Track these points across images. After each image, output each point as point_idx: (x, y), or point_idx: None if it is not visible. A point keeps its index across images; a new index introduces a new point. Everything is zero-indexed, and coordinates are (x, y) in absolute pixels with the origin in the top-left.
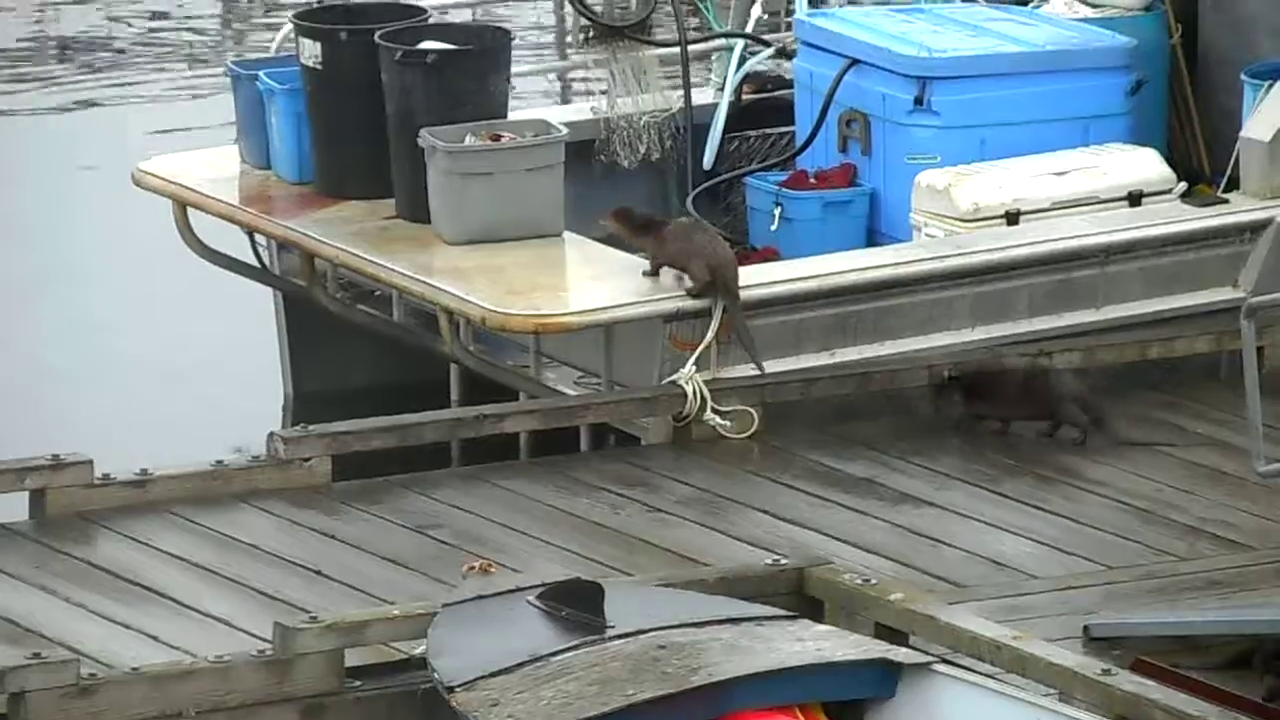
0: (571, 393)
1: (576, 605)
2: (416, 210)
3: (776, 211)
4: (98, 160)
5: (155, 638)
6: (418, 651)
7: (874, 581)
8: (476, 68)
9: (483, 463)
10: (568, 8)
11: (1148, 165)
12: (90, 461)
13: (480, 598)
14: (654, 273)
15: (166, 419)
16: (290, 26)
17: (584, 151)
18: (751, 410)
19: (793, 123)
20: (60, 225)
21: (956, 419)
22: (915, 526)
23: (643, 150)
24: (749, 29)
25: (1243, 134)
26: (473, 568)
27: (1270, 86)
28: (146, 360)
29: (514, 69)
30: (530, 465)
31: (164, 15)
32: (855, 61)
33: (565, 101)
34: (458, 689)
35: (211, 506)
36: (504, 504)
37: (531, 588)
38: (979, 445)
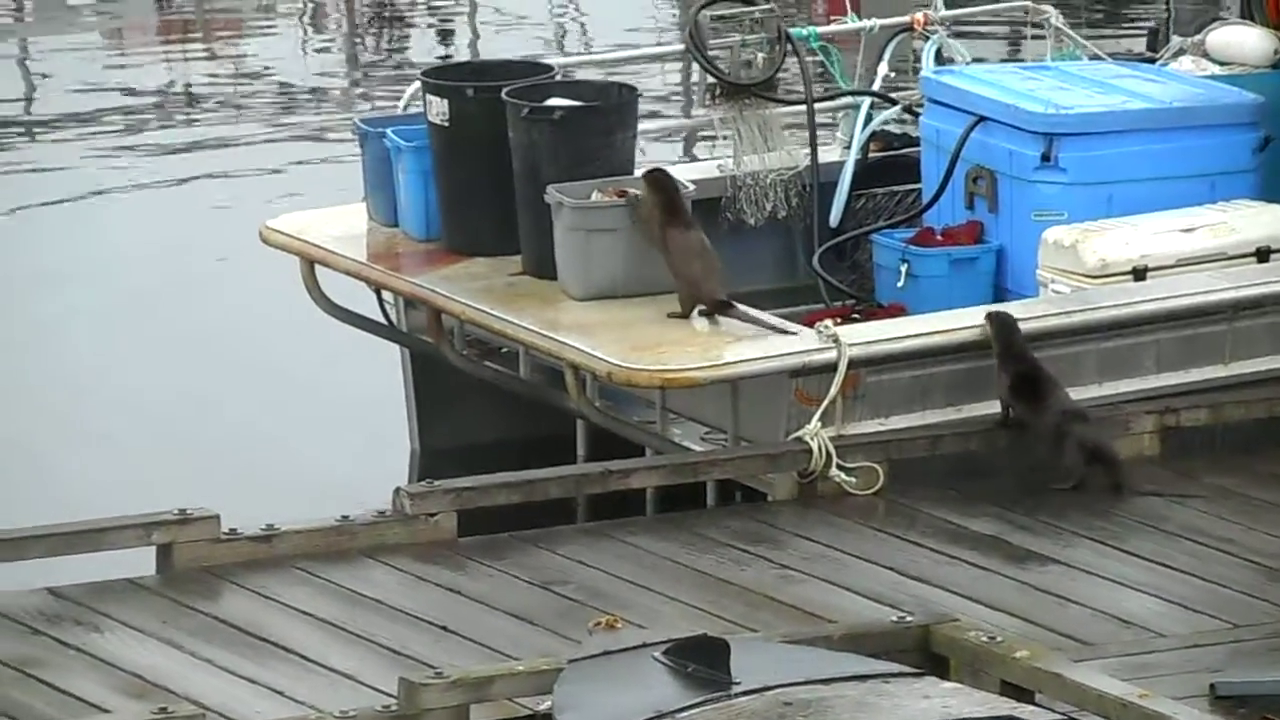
0: (697, 448)
1: (702, 661)
2: (543, 266)
3: (903, 268)
4: (225, 218)
5: (280, 692)
6: (543, 707)
7: (999, 639)
8: (603, 124)
9: (608, 518)
10: (695, 66)
11: (1275, 221)
12: (217, 516)
13: (606, 654)
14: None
15: (294, 474)
16: (418, 84)
17: (710, 209)
18: (877, 466)
19: (919, 180)
20: (188, 283)
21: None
22: (1041, 583)
23: (769, 208)
24: (875, 87)
25: None
26: (599, 624)
27: None
28: (273, 415)
29: (640, 126)
30: (656, 521)
31: (291, 73)
32: (982, 118)
33: (691, 159)
34: None
35: (337, 561)
36: (629, 560)
37: (657, 644)
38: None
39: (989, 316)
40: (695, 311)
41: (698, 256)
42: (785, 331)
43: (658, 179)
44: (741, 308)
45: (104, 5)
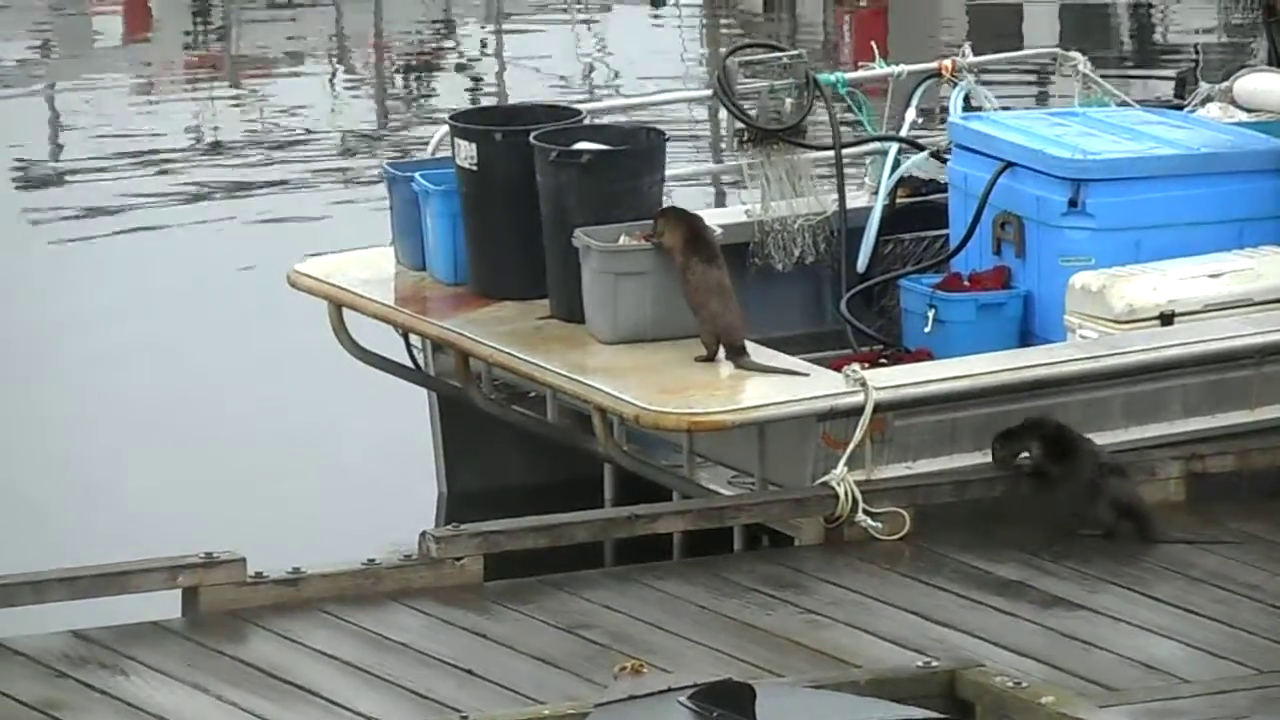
0: (725, 492)
1: (728, 706)
2: (571, 310)
3: (930, 314)
4: (252, 261)
5: None
6: None
7: (1025, 684)
8: (631, 168)
9: (636, 562)
10: (722, 111)
11: None
12: (243, 559)
13: (632, 698)
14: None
15: (320, 517)
16: (446, 128)
17: (738, 254)
18: (903, 512)
19: (946, 225)
20: (215, 327)
21: (1011, 461)
22: (1067, 629)
23: (797, 253)
24: (903, 132)
25: None
26: (624, 668)
27: None
28: (300, 459)
29: (668, 170)
30: (682, 565)
31: (319, 116)
32: (1009, 164)
33: (719, 204)
34: None
35: (364, 605)
36: (656, 604)
37: (683, 688)
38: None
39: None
40: (721, 351)
41: (715, 293)
42: (795, 373)
43: (676, 212)
44: (750, 357)
45: (132, 45)
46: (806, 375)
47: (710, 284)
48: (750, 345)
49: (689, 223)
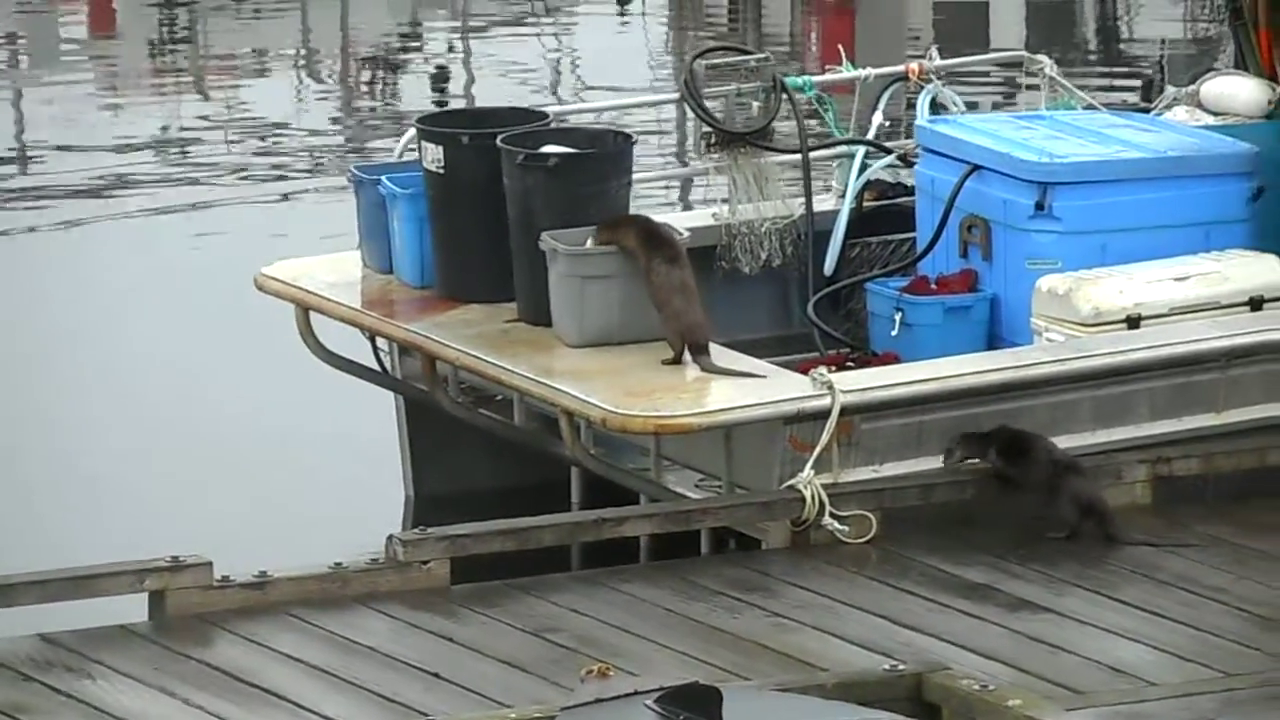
0: (692, 495)
1: (694, 709)
2: (537, 313)
3: (897, 317)
4: (219, 265)
5: None
6: None
7: (992, 687)
8: (598, 171)
9: (603, 565)
10: (689, 113)
11: (1268, 270)
12: (210, 563)
13: (598, 701)
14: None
15: (287, 521)
16: (413, 131)
17: (705, 257)
18: (870, 515)
19: (914, 229)
20: (182, 329)
21: (958, 464)
22: (1033, 632)
23: (764, 256)
24: (870, 136)
25: None
26: (590, 671)
27: None
28: (267, 462)
29: (635, 174)
30: (649, 569)
31: (286, 120)
32: (976, 167)
33: (686, 207)
34: None
35: (330, 609)
36: (622, 608)
37: (649, 691)
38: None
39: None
40: (686, 351)
41: (678, 292)
42: (755, 375)
43: (630, 217)
44: (711, 358)
45: (97, 50)
46: (764, 377)
47: (673, 283)
48: (715, 348)
49: (641, 225)
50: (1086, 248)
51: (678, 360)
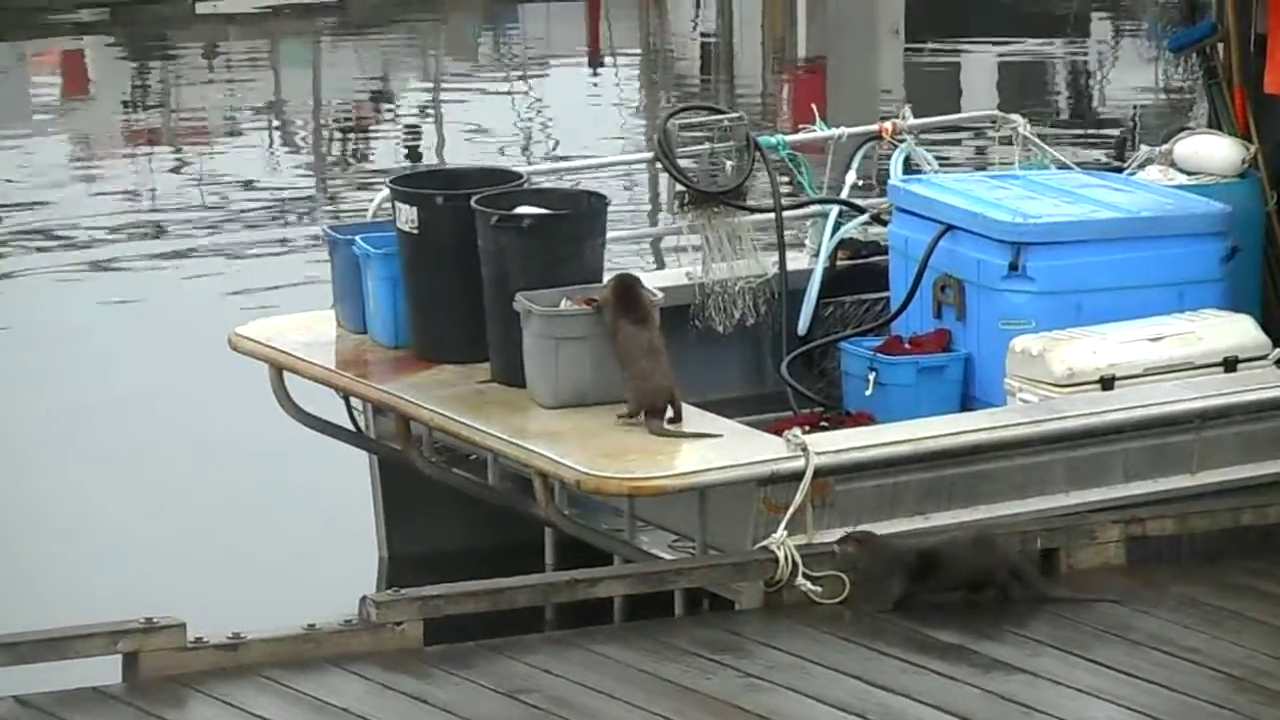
0: (666, 556)
1: None
2: (511, 374)
3: (871, 376)
4: (192, 325)
5: None
6: None
7: None
8: (572, 232)
9: (577, 626)
10: (662, 174)
11: (1243, 331)
12: (183, 624)
13: None
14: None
15: (260, 581)
16: (387, 191)
17: (679, 316)
18: (843, 576)
19: (887, 288)
20: (155, 391)
21: (895, 601)
22: (1007, 692)
23: (738, 315)
24: (844, 195)
25: None
26: None
27: None
28: (240, 522)
29: (609, 234)
30: (623, 630)
31: (259, 181)
32: (950, 227)
33: (661, 266)
34: None
35: (304, 670)
36: (596, 669)
37: None
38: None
39: (846, 541)
40: (643, 413)
41: (644, 354)
42: (709, 435)
43: (621, 278)
44: (658, 424)
45: (68, 109)
46: (719, 436)
47: (639, 345)
48: (686, 408)
49: (623, 284)
50: (1060, 308)
51: (633, 417)
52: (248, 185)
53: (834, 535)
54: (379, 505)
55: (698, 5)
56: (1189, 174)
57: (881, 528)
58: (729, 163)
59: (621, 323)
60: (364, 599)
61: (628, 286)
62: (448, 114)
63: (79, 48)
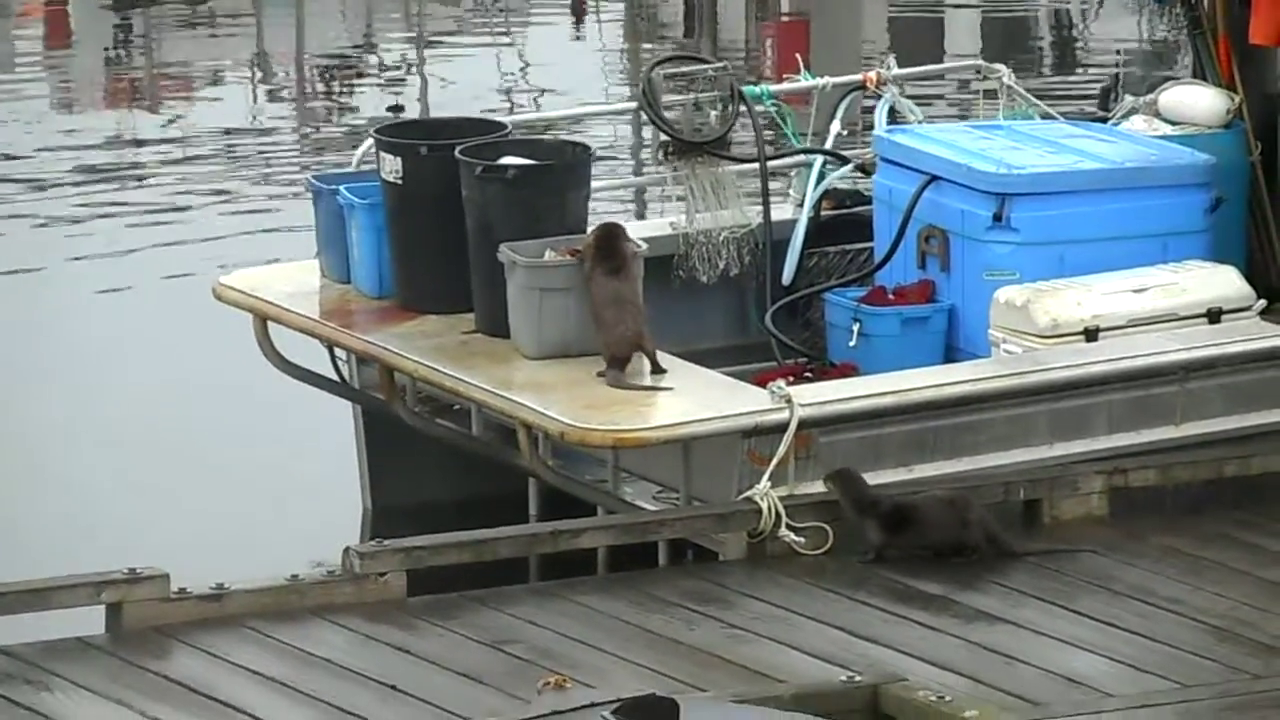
0: (650, 507)
1: None
2: (496, 325)
3: (855, 327)
4: (176, 275)
5: None
6: None
7: (949, 698)
8: (557, 183)
9: (562, 577)
10: (646, 123)
11: (1227, 282)
12: (167, 575)
13: (555, 713)
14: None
15: (243, 532)
16: (371, 141)
17: (663, 266)
18: (826, 526)
19: (871, 239)
20: (139, 340)
21: (875, 550)
22: (990, 643)
23: (721, 265)
24: (828, 145)
25: None
26: (548, 683)
27: None
28: (224, 472)
29: (593, 184)
30: (606, 580)
31: (242, 130)
32: (934, 178)
33: (642, 217)
34: None
35: (287, 621)
36: (579, 619)
37: (606, 703)
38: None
39: (830, 478)
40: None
41: (610, 304)
42: (661, 389)
43: (603, 226)
44: (618, 375)
45: (51, 61)
46: (670, 389)
47: (608, 294)
48: (667, 357)
49: (604, 233)
50: (1044, 259)
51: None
52: (231, 135)
53: (817, 487)
54: (363, 456)
55: None
56: (1174, 124)
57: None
58: (713, 113)
59: (596, 272)
60: (347, 550)
61: (607, 236)
62: (431, 65)
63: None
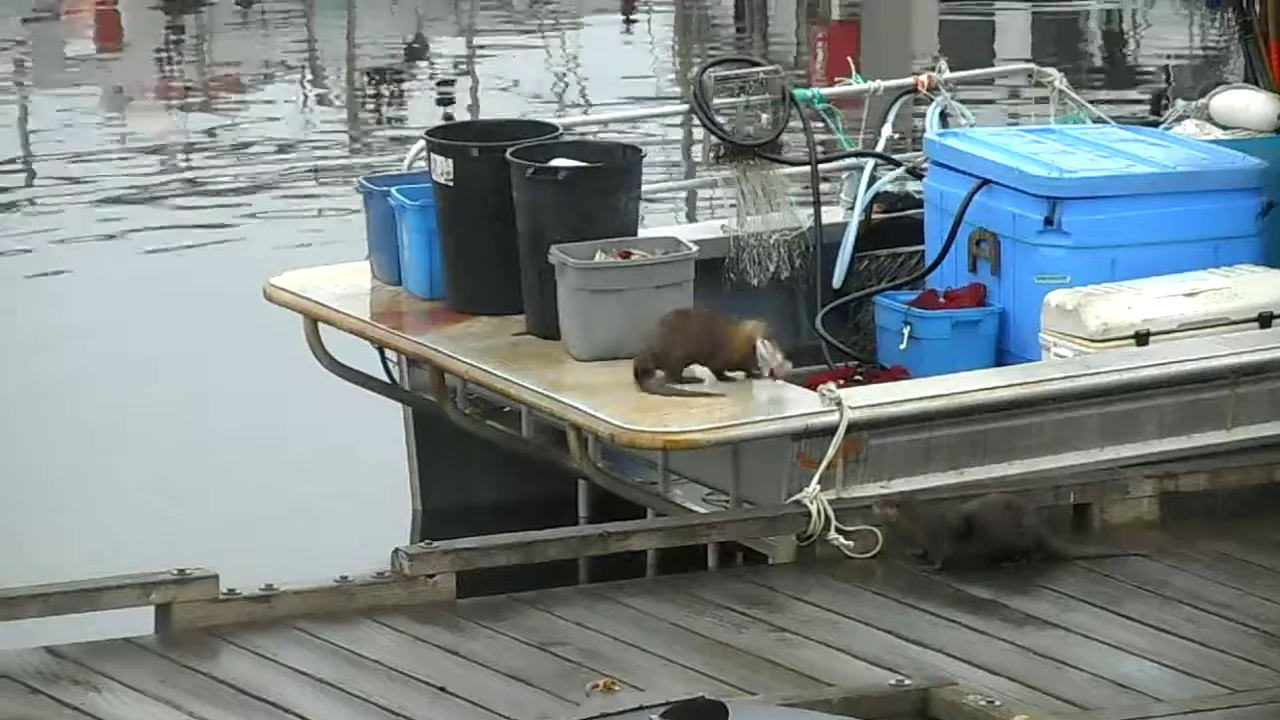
0: (699, 510)
1: None
2: (546, 326)
3: (906, 331)
4: (228, 275)
5: None
6: None
7: (998, 703)
8: (607, 185)
9: (610, 579)
10: (697, 125)
11: (1278, 287)
12: (216, 576)
13: (604, 716)
14: None
15: (293, 533)
16: (422, 143)
17: (713, 269)
18: (876, 530)
19: (922, 242)
20: (193, 342)
21: (944, 561)
22: (1039, 647)
23: (772, 268)
24: (879, 148)
25: None
26: (597, 686)
27: None
28: (274, 474)
29: (644, 186)
30: (655, 583)
31: (293, 133)
32: (985, 181)
33: (694, 219)
34: None
35: (336, 622)
36: (628, 622)
37: (655, 706)
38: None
39: (894, 511)
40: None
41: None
42: (711, 394)
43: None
44: (653, 382)
45: (104, 63)
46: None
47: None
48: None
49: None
50: (1095, 263)
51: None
52: (282, 137)
53: (867, 490)
54: (413, 457)
55: None
56: (1225, 129)
57: (915, 483)
58: (764, 115)
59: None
60: (397, 551)
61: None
62: (481, 66)
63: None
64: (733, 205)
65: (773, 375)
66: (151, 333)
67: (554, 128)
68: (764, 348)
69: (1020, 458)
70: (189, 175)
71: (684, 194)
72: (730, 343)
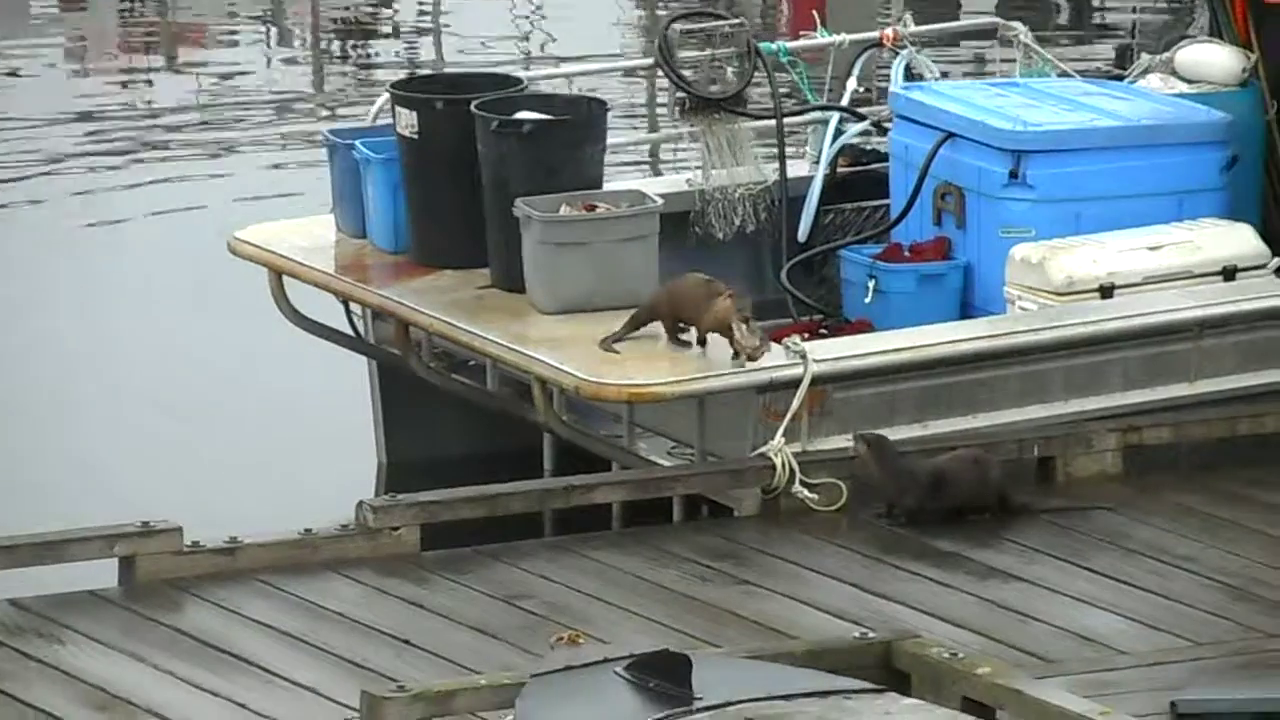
0: (664, 463)
1: (664, 677)
2: (511, 279)
3: (871, 284)
4: (191, 229)
5: (243, 705)
6: None
7: (961, 655)
8: (572, 138)
9: (576, 532)
10: (662, 79)
11: (1242, 240)
12: (179, 529)
13: (568, 668)
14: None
15: (257, 486)
16: (387, 96)
17: (678, 222)
18: (840, 483)
19: (887, 196)
20: (154, 294)
21: (909, 515)
22: (1003, 600)
23: (737, 222)
24: (844, 102)
25: None
26: (561, 638)
27: None
28: (238, 427)
29: (609, 139)
30: (619, 536)
31: (256, 84)
32: (950, 135)
33: (658, 173)
34: None
35: (300, 575)
36: (592, 575)
37: (619, 659)
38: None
39: (863, 444)
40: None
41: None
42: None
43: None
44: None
45: (67, 14)
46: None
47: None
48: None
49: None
50: (1060, 216)
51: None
52: (246, 89)
53: (832, 443)
54: (377, 411)
55: None
56: (1189, 82)
57: None
58: (729, 69)
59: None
60: (361, 504)
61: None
62: (446, 18)
63: None
64: (698, 159)
65: (749, 358)
66: (114, 287)
67: (519, 81)
68: (739, 331)
69: (985, 410)
70: (151, 125)
71: (649, 147)
72: (702, 319)
